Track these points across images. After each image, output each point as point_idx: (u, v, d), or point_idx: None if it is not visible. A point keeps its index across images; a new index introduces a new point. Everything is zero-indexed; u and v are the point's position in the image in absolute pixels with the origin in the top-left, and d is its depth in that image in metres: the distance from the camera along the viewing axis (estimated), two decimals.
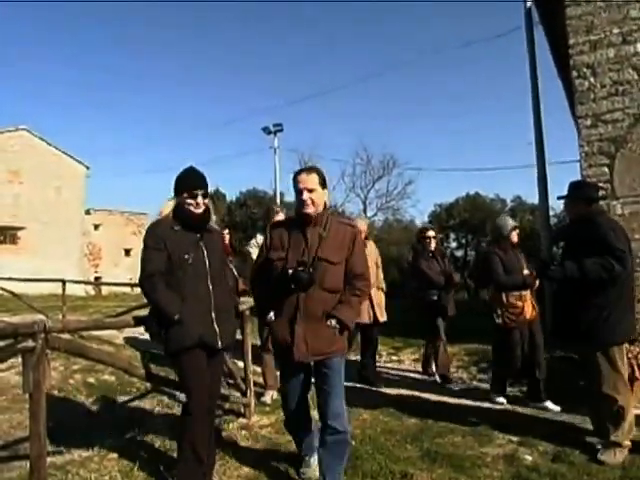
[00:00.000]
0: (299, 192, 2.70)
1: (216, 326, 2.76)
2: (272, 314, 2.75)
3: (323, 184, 2.76)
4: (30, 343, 2.16)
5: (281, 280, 2.66)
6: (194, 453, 2.68)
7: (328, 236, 2.69)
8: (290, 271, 2.60)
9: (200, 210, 2.82)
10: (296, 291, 2.61)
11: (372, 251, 5.41)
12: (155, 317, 2.75)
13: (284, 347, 2.68)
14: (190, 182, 2.83)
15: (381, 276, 5.61)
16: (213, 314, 2.77)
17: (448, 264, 5.86)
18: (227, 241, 5.76)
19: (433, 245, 5.70)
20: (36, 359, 2.16)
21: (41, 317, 7.82)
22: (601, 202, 3.67)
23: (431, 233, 5.78)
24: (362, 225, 5.29)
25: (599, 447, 3.31)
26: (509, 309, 4.48)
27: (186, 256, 2.71)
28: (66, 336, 3.55)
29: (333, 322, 2.64)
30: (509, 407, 4.46)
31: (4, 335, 2.19)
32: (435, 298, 5.50)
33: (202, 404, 2.74)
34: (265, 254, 2.84)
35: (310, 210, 2.68)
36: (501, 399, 4.62)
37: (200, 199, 2.80)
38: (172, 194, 2.87)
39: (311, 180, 2.71)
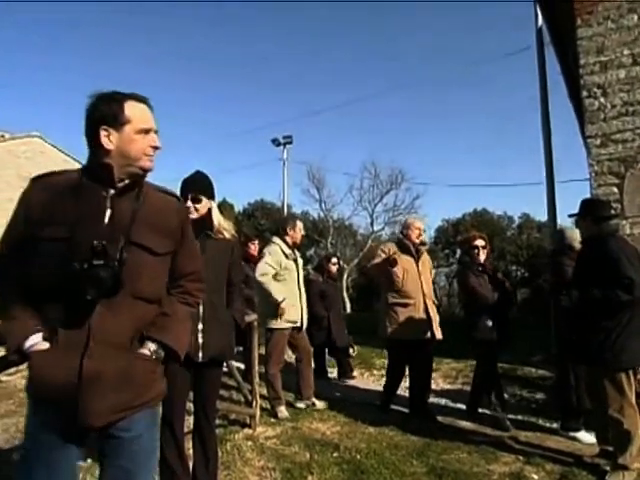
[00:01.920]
0: (144, 132, 1.63)
1: (201, 338, 2.64)
2: (34, 338, 1.52)
3: None
4: None
5: (60, 279, 1.49)
6: (164, 462, 2.58)
7: (143, 209, 1.63)
8: (85, 265, 1.47)
9: (193, 216, 2.70)
10: (91, 299, 1.49)
11: (426, 259, 4.86)
12: None
13: (56, 400, 1.50)
14: (181, 186, 2.79)
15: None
16: (200, 325, 2.65)
17: (502, 280, 4.70)
18: (254, 251, 5.70)
19: (482, 257, 4.63)
20: None
21: None
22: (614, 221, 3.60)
23: (480, 242, 4.68)
24: (420, 224, 4.79)
25: (607, 468, 3.28)
26: None
27: None
28: None
29: (152, 347, 1.63)
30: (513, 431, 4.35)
31: None
32: (490, 324, 4.37)
33: (170, 415, 2.62)
34: (21, 228, 1.60)
35: (152, 165, 1.68)
36: (588, 436, 3.91)
37: (189, 203, 2.72)
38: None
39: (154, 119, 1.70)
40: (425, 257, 4.82)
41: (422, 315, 4.55)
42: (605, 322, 3.24)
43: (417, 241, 4.73)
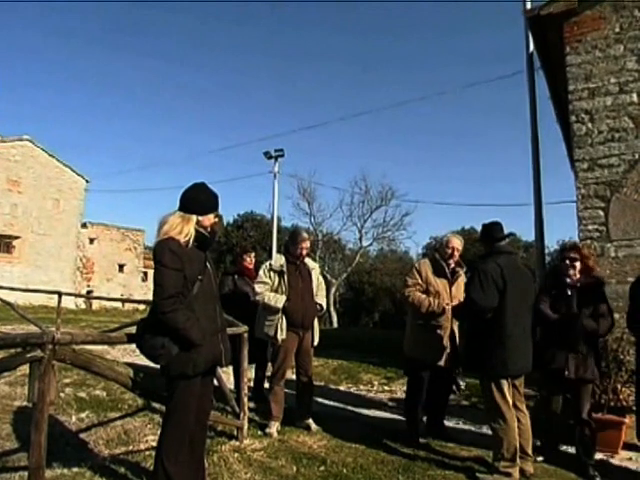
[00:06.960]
0: None
1: (221, 346, 2.75)
2: None
3: None
4: (38, 353, 2.19)
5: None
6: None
7: None
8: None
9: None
10: None
11: (462, 282, 4.35)
12: (172, 338, 2.52)
13: None
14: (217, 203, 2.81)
15: None
16: (220, 334, 2.77)
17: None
18: (252, 265, 5.63)
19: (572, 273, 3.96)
20: (43, 369, 2.19)
21: (35, 328, 7.78)
22: (504, 242, 3.83)
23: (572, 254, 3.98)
24: (455, 243, 4.41)
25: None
26: None
27: (200, 276, 2.64)
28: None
29: None
30: None
31: (14, 344, 2.22)
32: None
33: (188, 429, 2.66)
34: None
35: None
36: None
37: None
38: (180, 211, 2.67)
39: None
40: (461, 280, 4.39)
41: (446, 341, 4.24)
42: (476, 338, 3.61)
43: (452, 262, 4.40)
